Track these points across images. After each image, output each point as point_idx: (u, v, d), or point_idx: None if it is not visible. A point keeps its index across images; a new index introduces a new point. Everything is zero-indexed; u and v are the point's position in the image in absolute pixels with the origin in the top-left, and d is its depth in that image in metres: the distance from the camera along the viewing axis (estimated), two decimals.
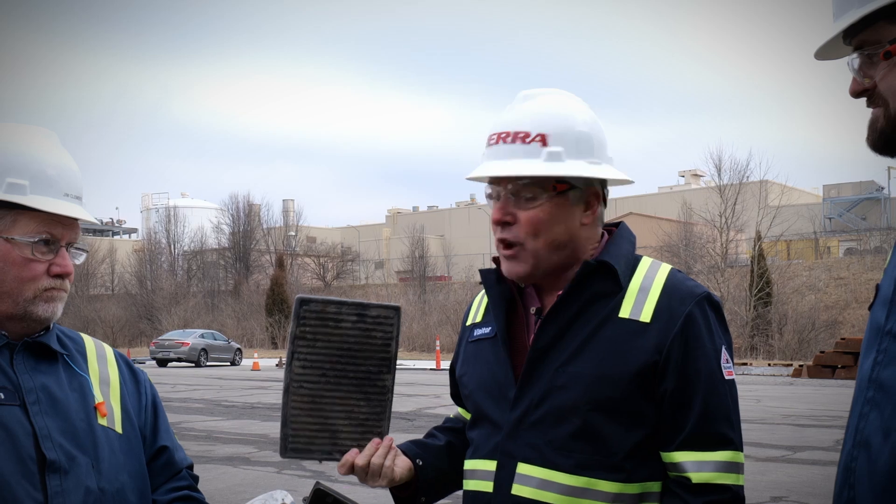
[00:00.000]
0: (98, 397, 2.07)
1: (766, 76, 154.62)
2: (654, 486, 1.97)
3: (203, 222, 71.09)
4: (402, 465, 2.09)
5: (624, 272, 2.02)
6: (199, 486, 2.24)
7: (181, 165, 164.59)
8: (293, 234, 71.46)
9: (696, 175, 73.42)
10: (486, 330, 2.15)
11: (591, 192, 2.04)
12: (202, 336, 40.64)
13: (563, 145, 1.98)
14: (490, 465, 2.03)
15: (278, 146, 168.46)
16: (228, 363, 40.73)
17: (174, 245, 71.88)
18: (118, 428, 2.07)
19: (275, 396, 21.87)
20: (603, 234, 2.12)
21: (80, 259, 2.06)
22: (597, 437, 1.94)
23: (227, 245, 69.47)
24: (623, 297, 1.99)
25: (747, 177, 46.96)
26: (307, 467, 10.91)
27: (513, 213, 2.00)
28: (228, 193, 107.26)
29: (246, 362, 41.05)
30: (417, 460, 2.13)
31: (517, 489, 1.97)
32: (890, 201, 63.01)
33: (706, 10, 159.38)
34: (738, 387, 2.05)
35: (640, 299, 1.99)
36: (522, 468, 1.97)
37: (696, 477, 1.91)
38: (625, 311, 1.98)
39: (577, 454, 1.94)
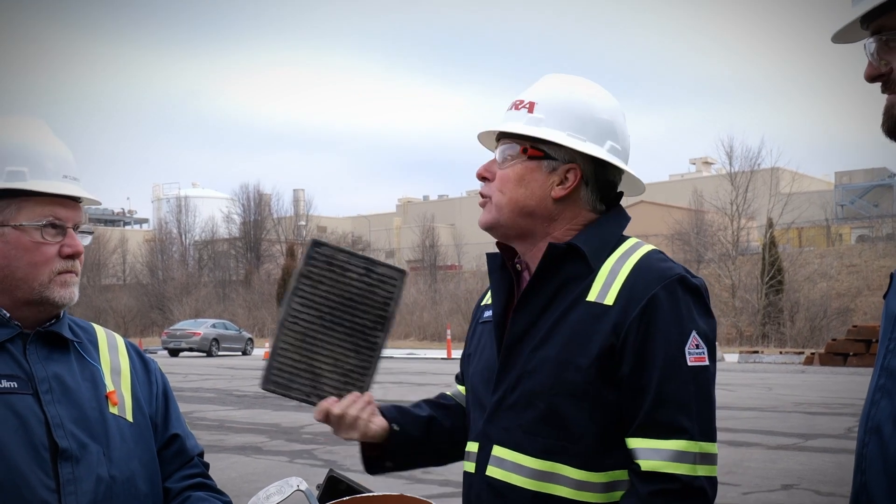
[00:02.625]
0: (109, 386, 2.08)
1: (778, 63, 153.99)
2: (624, 475, 1.93)
3: (214, 212, 71.25)
4: (378, 423, 2.11)
5: (595, 254, 2.00)
6: (211, 475, 2.25)
7: (192, 155, 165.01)
8: (303, 223, 71.58)
9: (707, 163, 73.23)
10: (491, 313, 2.17)
11: (571, 167, 2.04)
12: (213, 326, 40.78)
13: (547, 114, 2.05)
14: (473, 447, 2.08)
15: (288, 136, 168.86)
16: (240, 353, 40.86)
17: (185, 235, 72.11)
18: (129, 416, 2.09)
19: None
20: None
21: (88, 240, 2.08)
22: (561, 422, 1.94)
23: (237, 235, 69.64)
24: (593, 281, 1.98)
25: (758, 164, 46.92)
26: (319, 457, 10.97)
27: (492, 170, 2.09)
28: (239, 183, 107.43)
29: (257, 352, 41.18)
30: (394, 425, 2.14)
31: (491, 471, 2.00)
32: None
33: None
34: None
35: (609, 282, 1.97)
36: (497, 451, 2.00)
37: (644, 465, 1.87)
38: (592, 295, 1.97)
39: (542, 438, 1.95)
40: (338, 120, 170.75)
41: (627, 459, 1.92)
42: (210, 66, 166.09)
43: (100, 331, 2.21)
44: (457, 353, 35.82)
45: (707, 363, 1.94)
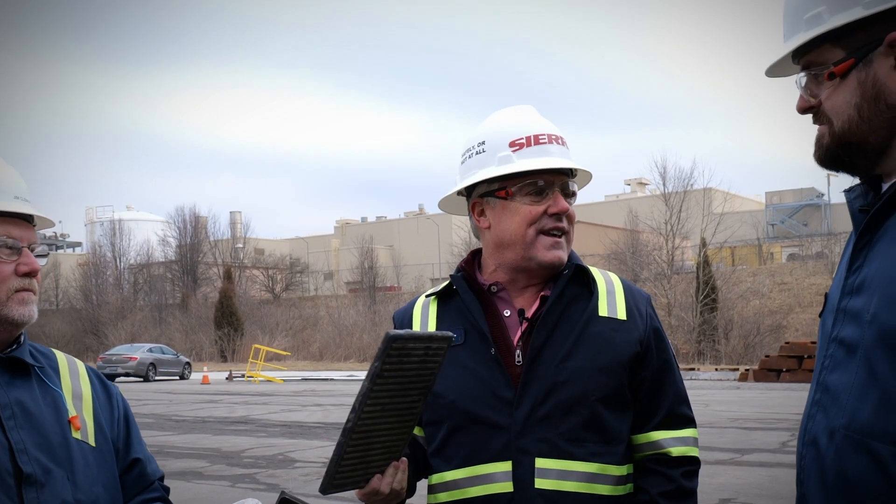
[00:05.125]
0: (71, 411, 2.09)
1: (709, 87, 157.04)
2: (631, 468, 2.19)
3: (149, 235, 70.25)
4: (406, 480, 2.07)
5: (591, 276, 2.26)
6: None
7: (126, 178, 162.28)
8: (241, 246, 70.92)
9: (641, 183, 74.20)
10: (453, 336, 2.18)
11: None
12: (150, 350, 40.11)
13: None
14: (504, 466, 2.11)
15: (224, 158, 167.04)
16: (177, 377, 40.21)
17: (120, 259, 70.88)
18: (91, 441, 2.10)
19: (226, 409, 21.72)
20: None
21: (43, 262, 2.10)
22: (602, 424, 2.13)
23: (173, 258, 68.69)
24: (597, 298, 2.22)
25: (691, 184, 47.58)
26: (261, 480, 10.89)
27: (566, 207, 2.24)
28: (174, 206, 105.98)
29: (195, 376, 40.60)
30: None
31: (540, 483, 2.08)
32: (830, 207, 64.28)
33: (649, 21, 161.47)
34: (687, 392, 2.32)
35: (611, 300, 2.23)
36: (541, 462, 2.10)
37: (675, 451, 2.18)
38: (602, 311, 2.21)
39: (589, 443, 2.12)
40: (274, 142, 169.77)
41: (633, 451, 2.20)
42: (145, 87, 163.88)
43: (60, 356, 2.22)
44: None
45: None
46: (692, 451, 2.22)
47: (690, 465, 2.21)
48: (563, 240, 2.21)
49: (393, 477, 2.02)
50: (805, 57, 1.65)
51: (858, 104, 1.58)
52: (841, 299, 1.64)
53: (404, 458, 2.05)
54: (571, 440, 2.10)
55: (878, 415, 1.49)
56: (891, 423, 1.47)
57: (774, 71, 1.75)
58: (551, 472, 2.09)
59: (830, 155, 1.65)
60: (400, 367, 1.88)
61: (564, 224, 2.20)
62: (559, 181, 2.21)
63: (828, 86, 1.61)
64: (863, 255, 1.62)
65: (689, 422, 2.25)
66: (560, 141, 2.25)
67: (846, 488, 1.53)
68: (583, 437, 2.11)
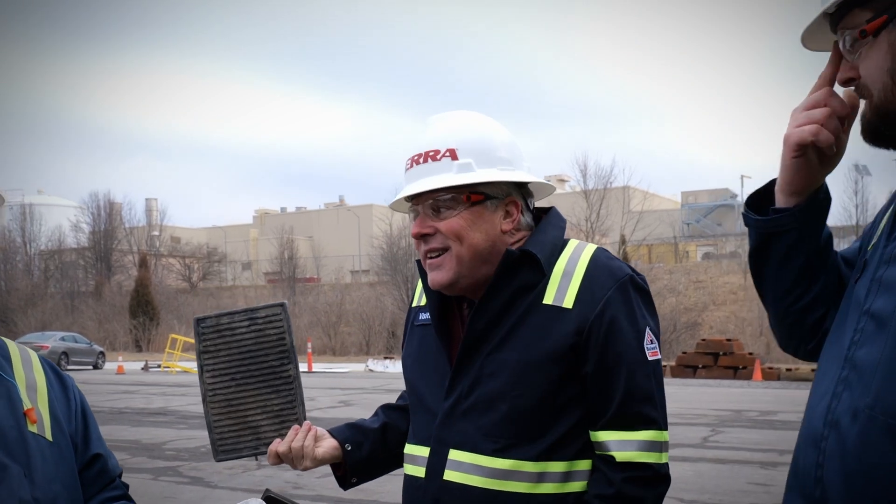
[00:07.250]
0: (27, 403, 1.97)
1: (631, 85, 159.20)
2: (583, 465, 2.03)
3: (61, 220, 68.55)
4: (326, 446, 2.21)
5: (547, 259, 2.08)
6: None
7: (37, 160, 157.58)
8: (157, 233, 69.66)
9: (562, 180, 74.96)
10: (427, 316, 2.22)
11: (510, 200, 2.12)
12: (62, 339, 39.11)
13: (473, 157, 2.07)
14: (424, 451, 2.11)
15: (141, 143, 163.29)
16: (91, 367, 39.32)
17: (30, 244, 69.01)
18: (48, 435, 1.98)
19: (143, 400, 21.31)
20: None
21: None
22: (523, 421, 2.00)
23: (86, 244, 67.13)
24: (547, 284, 2.06)
25: (611, 182, 48.30)
26: (184, 473, 10.66)
27: (432, 225, 2.07)
28: (88, 191, 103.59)
29: (109, 366, 39.75)
30: (346, 445, 2.23)
31: (449, 475, 2.04)
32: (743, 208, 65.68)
33: (572, 19, 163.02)
34: None
35: (564, 285, 2.05)
36: (454, 454, 2.05)
37: (619, 455, 1.98)
38: (548, 298, 2.04)
39: (504, 439, 2.01)
40: (193, 129, 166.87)
41: (588, 450, 2.03)
42: (59, 67, 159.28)
43: (12, 346, 2.09)
44: (317, 367, 35.69)
45: (659, 357, 2.08)
46: (642, 457, 1.97)
47: (637, 471, 1.97)
48: (438, 260, 2.08)
49: (293, 437, 2.19)
50: (840, 23, 1.57)
51: (891, 69, 1.51)
52: (878, 268, 1.55)
53: (309, 423, 2.22)
54: (488, 435, 2.01)
55: None
56: None
57: (813, 42, 1.68)
58: (463, 466, 2.03)
59: (871, 129, 1.57)
60: (224, 340, 2.22)
61: (433, 244, 2.08)
62: (427, 200, 2.07)
63: (863, 52, 1.55)
64: None
65: (647, 422, 1.99)
66: (434, 157, 2.06)
67: (868, 474, 1.42)
68: (500, 432, 2.00)
